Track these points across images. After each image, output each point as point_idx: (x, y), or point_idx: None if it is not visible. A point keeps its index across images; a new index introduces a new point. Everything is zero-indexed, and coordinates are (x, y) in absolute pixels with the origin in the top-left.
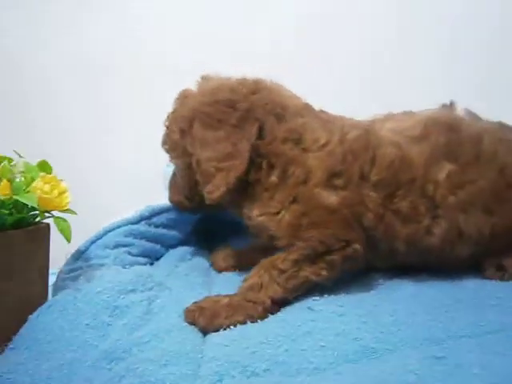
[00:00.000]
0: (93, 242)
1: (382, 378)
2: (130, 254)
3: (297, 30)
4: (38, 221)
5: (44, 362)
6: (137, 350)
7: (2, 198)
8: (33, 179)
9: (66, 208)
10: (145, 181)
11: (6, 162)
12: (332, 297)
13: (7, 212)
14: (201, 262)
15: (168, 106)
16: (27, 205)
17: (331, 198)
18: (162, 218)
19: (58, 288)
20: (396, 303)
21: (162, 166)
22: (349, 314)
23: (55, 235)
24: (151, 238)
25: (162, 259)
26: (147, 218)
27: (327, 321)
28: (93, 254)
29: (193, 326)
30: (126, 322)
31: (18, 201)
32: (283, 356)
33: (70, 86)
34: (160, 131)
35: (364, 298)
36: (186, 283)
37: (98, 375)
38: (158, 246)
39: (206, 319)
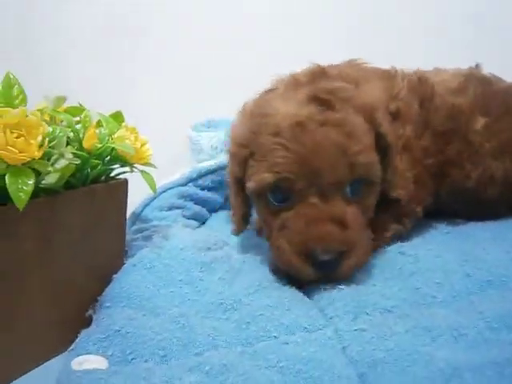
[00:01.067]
0: (146, 205)
1: None
2: (184, 216)
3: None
4: (115, 175)
5: (153, 317)
6: (248, 300)
7: (90, 147)
8: (112, 130)
9: (147, 161)
10: (170, 145)
11: (86, 111)
12: (414, 242)
13: (97, 162)
14: None
15: (193, 65)
16: (104, 158)
17: (417, 148)
18: (208, 181)
19: (129, 248)
20: (478, 245)
21: (187, 130)
22: (443, 255)
23: None
24: (199, 201)
25: (209, 222)
26: (194, 179)
27: (427, 262)
28: (150, 215)
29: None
30: (220, 275)
31: (100, 153)
32: (401, 294)
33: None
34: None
35: (443, 241)
36: (248, 244)
37: (219, 325)
38: (204, 210)
39: None
